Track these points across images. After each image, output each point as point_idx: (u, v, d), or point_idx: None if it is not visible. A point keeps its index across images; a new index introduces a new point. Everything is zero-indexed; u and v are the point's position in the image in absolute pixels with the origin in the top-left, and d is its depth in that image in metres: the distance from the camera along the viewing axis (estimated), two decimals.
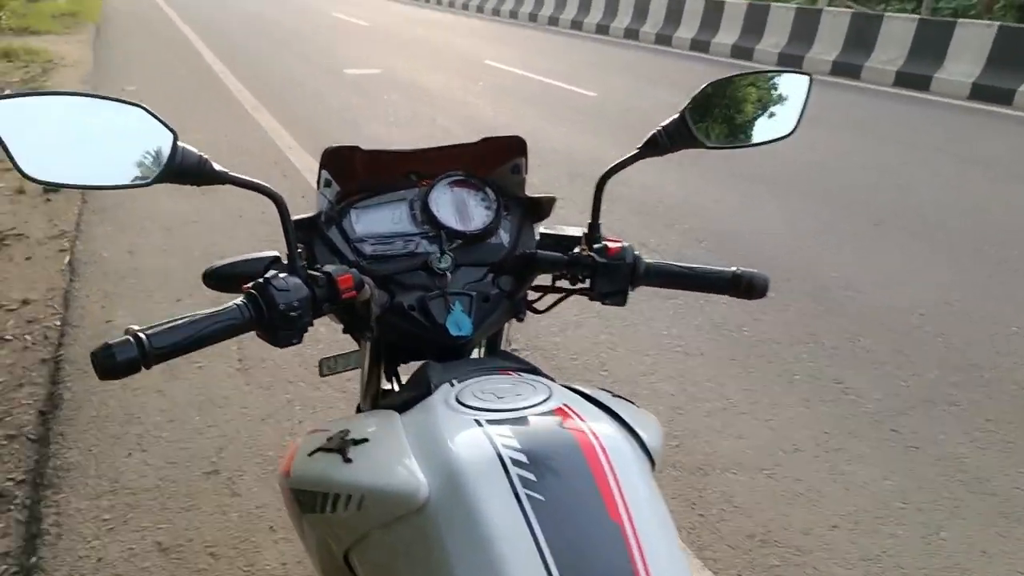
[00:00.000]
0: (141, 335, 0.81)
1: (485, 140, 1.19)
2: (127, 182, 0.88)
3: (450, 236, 1.15)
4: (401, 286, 1.11)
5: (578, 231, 1.18)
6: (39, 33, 13.31)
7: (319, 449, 0.97)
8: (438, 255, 1.13)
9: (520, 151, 1.19)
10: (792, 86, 1.09)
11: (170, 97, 8.41)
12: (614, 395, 1.00)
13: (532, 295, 1.23)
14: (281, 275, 0.93)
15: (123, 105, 0.89)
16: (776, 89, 1.09)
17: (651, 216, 5.03)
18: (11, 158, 0.82)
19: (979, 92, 9.42)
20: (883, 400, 2.97)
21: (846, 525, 2.31)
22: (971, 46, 9.67)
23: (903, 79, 10.29)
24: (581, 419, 0.87)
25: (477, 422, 0.86)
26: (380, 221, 1.16)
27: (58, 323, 3.39)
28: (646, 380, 3.09)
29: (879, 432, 2.78)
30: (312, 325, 0.97)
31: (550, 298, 1.23)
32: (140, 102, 0.89)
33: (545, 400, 0.90)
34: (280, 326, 0.91)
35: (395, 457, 0.86)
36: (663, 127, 1.10)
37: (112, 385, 2.92)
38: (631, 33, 15.21)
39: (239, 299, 0.92)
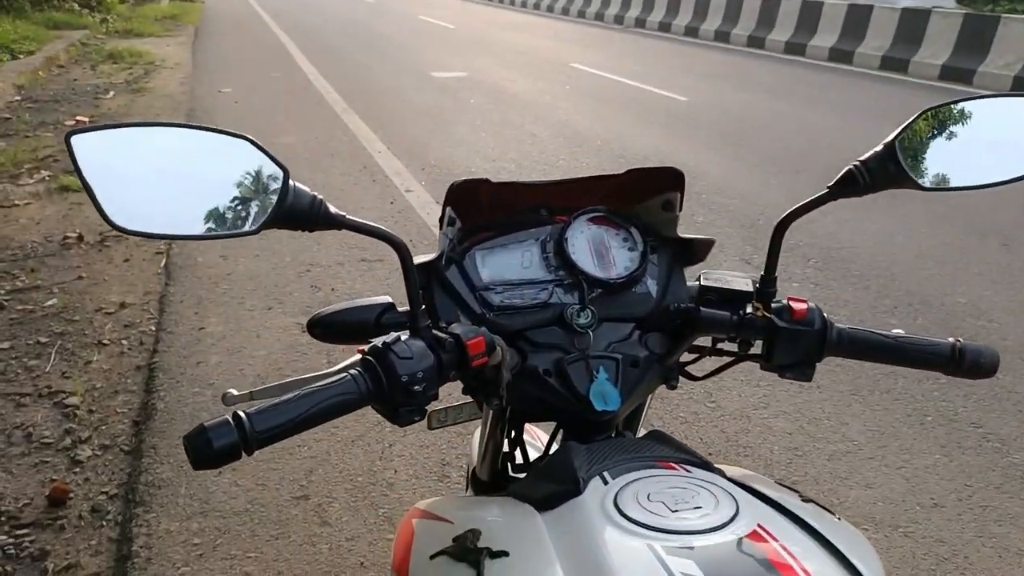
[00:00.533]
0: (243, 416, 0.69)
1: (632, 171, 1.01)
2: (230, 230, 0.75)
3: (590, 284, 0.98)
4: (533, 344, 0.95)
5: (746, 282, 0.98)
6: (143, 35, 13.86)
7: (444, 552, 0.81)
8: (576, 308, 0.96)
9: (675, 185, 1.00)
10: (1022, 113, 0.87)
11: (264, 99, 8.54)
12: (807, 500, 0.81)
13: (685, 355, 1.04)
14: (403, 338, 0.79)
15: (226, 137, 0.75)
16: (1003, 117, 0.87)
17: (753, 228, 4.74)
18: (96, 203, 0.69)
19: None
20: None
21: None
22: None
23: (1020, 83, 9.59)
24: (787, 551, 0.68)
25: (650, 547, 0.68)
26: (508, 265, 1.00)
27: (153, 328, 3.38)
28: (758, 415, 2.85)
29: None
30: (437, 398, 0.82)
31: (708, 362, 1.04)
32: (245, 133, 0.75)
33: (734, 518, 0.72)
34: (402, 402, 0.78)
35: None
36: (862, 162, 0.90)
37: (203, 396, 2.87)
38: (721, 36, 14.74)
39: (353, 366, 0.78)
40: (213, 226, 0.73)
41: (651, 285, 1.01)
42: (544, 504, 0.80)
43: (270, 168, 0.75)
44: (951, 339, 0.90)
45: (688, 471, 0.82)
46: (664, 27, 16.57)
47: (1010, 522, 2.31)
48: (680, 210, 1.01)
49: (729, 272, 1.08)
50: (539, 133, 7.26)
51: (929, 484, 2.47)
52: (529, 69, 11.25)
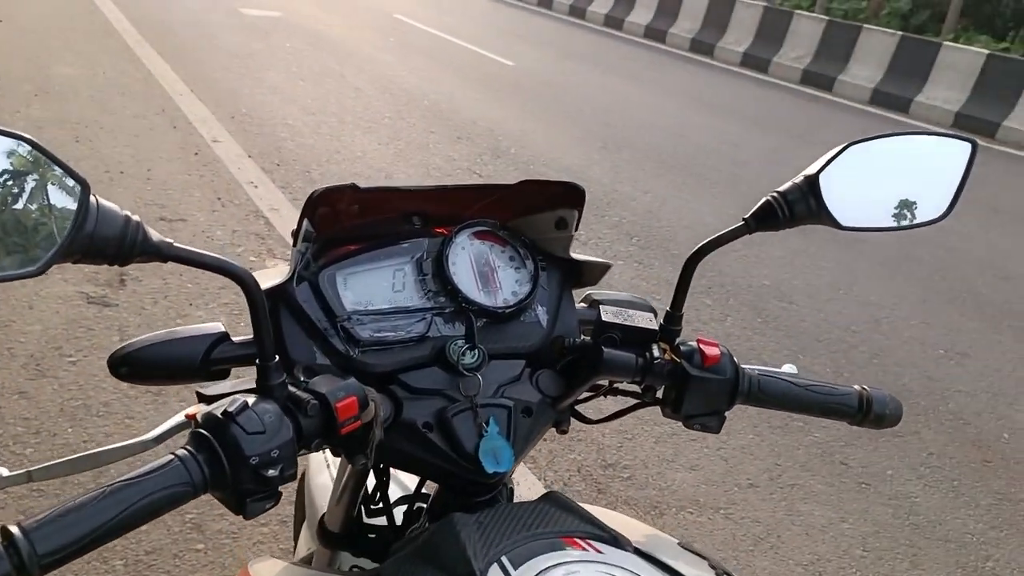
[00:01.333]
0: (16, 535, 0.50)
1: (526, 183, 0.87)
2: (5, 271, 0.52)
3: (475, 314, 0.82)
4: (409, 390, 0.78)
5: (649, 317, 0.87)
6: None
7: None
8: (460, 344, 0.80)
9: (574, 202, 0.87)
10: (949, 154, 0.82)
11: (36, 19, 7.37)
12: (718, 570, 0.73)
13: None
14: (250, 404, 0.61)
15: None
16: (929, 158, 0.83)
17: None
18: None
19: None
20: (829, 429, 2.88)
21: None
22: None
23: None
24: None
25: None
26: (377, 289, 0.81)
27: None
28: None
29: (831, 466, 2.67)
30: (295, 479, 0.64)
31: (596, 403, 0.93)
32: (23, 133, 0.52)
33: None
34: (251, 490, 0.60)
35: None
36: (781, 195, 0.82)
37: None
38: (545, 2, 14.85)
39: (181, 448, 0.59)
40: None
41: (540, 313, 0.87)
42: None
43: (60, 181, 0.52)
44: (857, 387, 0.86)
45: (599, 551, 0.70)
46: None
47: (813, 500, 2.49)
48: (576, 229, 0.88)
49: (618, 295, 0.97)
50: (363, 87, 6.88)
51: (745, 464, 2.60)
52: (350, 15, 10.66)
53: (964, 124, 8.75)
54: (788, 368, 0.92)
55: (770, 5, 11.84)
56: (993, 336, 3.89)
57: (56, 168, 0.52)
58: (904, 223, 0.82)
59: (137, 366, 0.75)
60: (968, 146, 0.81)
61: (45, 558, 0.50)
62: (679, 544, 0.79)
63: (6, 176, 0.50)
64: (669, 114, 7.71)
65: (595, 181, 5.27)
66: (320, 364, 0.77)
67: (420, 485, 0.95)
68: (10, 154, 0.50)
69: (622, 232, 4.43)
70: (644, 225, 4.59)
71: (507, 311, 0.84)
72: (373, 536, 0.98)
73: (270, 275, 0.80)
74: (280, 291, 0.76)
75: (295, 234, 0.77)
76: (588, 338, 0.87)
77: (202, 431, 0.60)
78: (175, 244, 0.59)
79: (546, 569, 0.66)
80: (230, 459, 0.59)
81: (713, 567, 0.75)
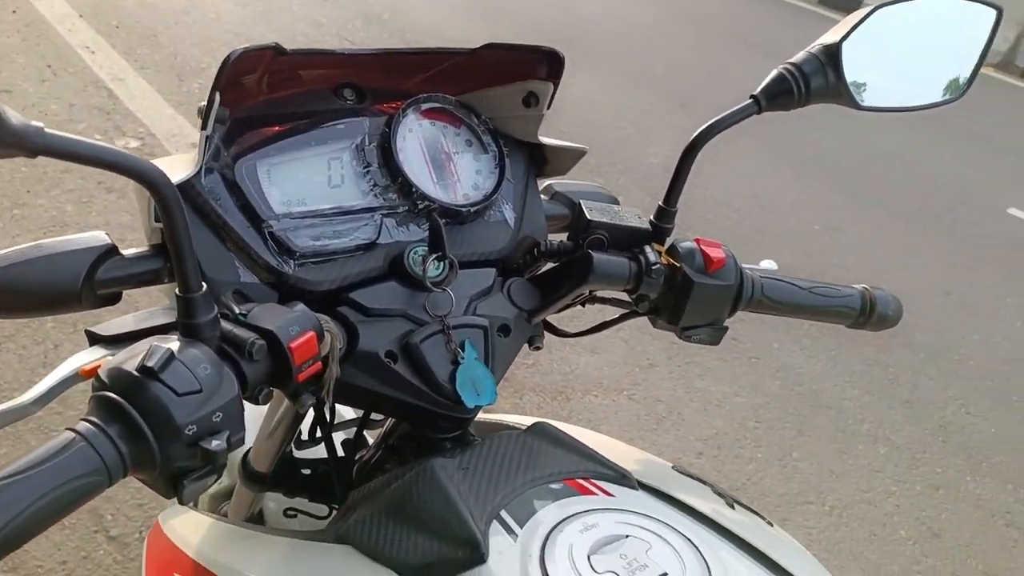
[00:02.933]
0: None
1: (488, 46, 0.70)
2: None
3: (435, 212, 0.67)
4: (363, 311, 0.63)
5: (637, 215, 0.75)
6: None
7: None
8: (421, 252, 0.65)
9: (550, 72, 0.72)
10: (973, 21, 0.73)
11: None
12: (733, 503, 0.66)
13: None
14: (174, 352, 0.46)
15: None
16: (953, 24, 0.73)
17: None
18: None
19: None
20: None
21: (710, 452, 2.24)
22: None
23: None
24: None
25: None
26: (309, 183, 0.65)
27: None
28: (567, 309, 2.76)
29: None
30: (243, 443, 0.49)
31: (572, 312, 0.81)
32: None
33: None
34: (188, 466, 0.46)
35: None
36: (795, 66, 0.70)
37: None
38: None
39: (83, 421, 0.44)
40: None
41: (506, 210, 0.73)
42: (419, 573, 0.53)
43: None
44: (858, 288, 0.79)
45: (609, 493, 0.61)
46: None
47: (710, 376, 2.55)
48: (549, 107, 0.73)
49: (573, 184, 0.84)
50: None
51: (644, 345, 2.61)
52: None
53: (832, 2, 8.94)
54: (767, 264, 0.84)
55: None
56: (862, 211, 4.08)
57: None
58: (924, 102, 0.73)
59: (1, 293, 0.55)
60: (993, 12, 0.72)
61: None
62: (674, 468, 0.71)
63: None
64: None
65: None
66: (245, 283, 0.60)
67: (366, 415, 0.82)
68: None
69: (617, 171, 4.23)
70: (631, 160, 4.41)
71: (472, 209, 0.69)
72: (307, 472, 0.84)
73: (167, 167, 0.61)
74: (185, 189, 0.57)
75: (204, 113, 0.57)
76: (567, 240, 0.74)
77: (110, 394, 0.44)
78: (47, 130, 0.40)
79: (558, 524, 0.55)
80: (156, 432, 0.43)
81: (717, 493, 0.68)
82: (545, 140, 0.75)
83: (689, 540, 0.56)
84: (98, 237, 0.59)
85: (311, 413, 0.77)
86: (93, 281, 0.58)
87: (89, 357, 0.54)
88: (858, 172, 4.56)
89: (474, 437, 0.68)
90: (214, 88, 0.57)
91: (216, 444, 0.45)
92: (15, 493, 0.40)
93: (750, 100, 0.71)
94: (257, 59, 0.59)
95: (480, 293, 0.68)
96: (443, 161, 0.70)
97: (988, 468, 2.44)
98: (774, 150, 4.60)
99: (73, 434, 0.42)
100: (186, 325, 0.49)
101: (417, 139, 0.69)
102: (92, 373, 0.47)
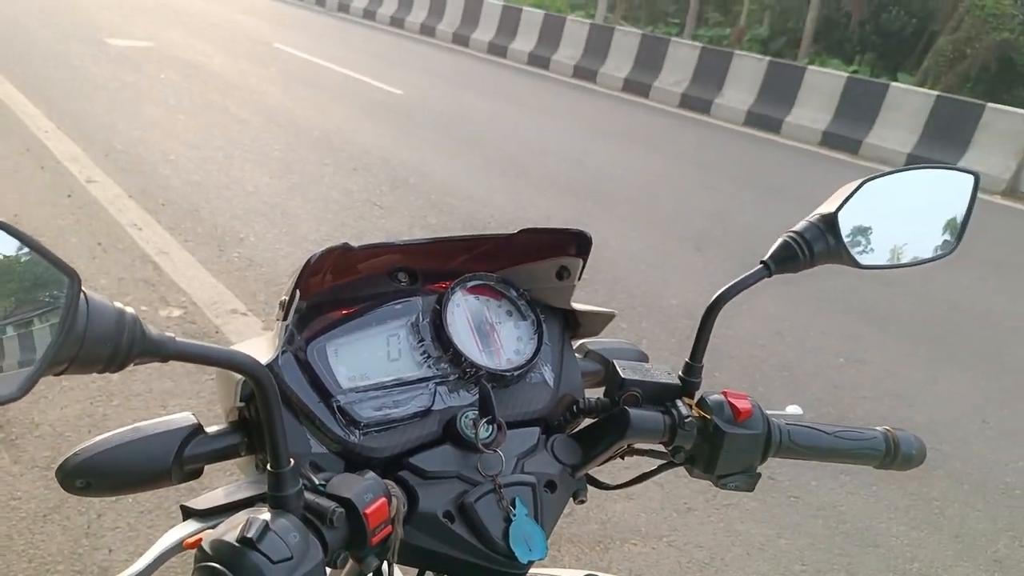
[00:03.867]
0: None
1: (525, 231, 0.80)
2: None
3: (484, 379, 0.74)
4: (420, 475, 0.69)
5: (667, 372, 0.82)
6: None
7: None
8: (472, 416, 0.71)
9: (579, 249, 0.80)
10: (954, 187, 0.82)
11: None
12: None
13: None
14: (269, 523, 0.52)
15: None
16: (937, 191, 0.82)
17: (487, 230, 4.74)
18: None
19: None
20: None
21: None
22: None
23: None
24: None
25: None
26: (372, 359, 0.72)
27: None
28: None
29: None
30: None
31: (612, 464, 0.86)
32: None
33: None
34: None
35: None
36: (798, 234, 0.78)
37: None
38: (427, 30, 14.86)
39: None
40: None
41: (545, 372, 0.80)
42: None
43: (41, 275, 0.41)
44: (882, 429, 0.83)
45: None
46: (369, 15, 16.25)
47: (749, 518, 2.51)
48: (579, 279, 0.82)
49: (606, 342, 0.91)
50: (248, 119, 6.60)
51: (679, 489, 2.59)
52: (226, 44, 10.26)
53: (831, 142, 9.37)
54: (793, 409, 0.89)
55: (647, 33, 12.34)
56: (885, 341, 4.11)
57: (38, 258, 0.41)
58: (919, 258, 0.80)
59: (97, 475, 0.62)
60: (971, 178, 0.80)
61: None
62: None
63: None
64: (560, 139, 7.83)
65: (499, 209, 5.25)
66: (316, 453, 0.66)
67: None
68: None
69: None
70: None
71: (515, 373, 0.76)
72: None
73: (253, 347, 0.69)
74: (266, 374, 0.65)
75: (286, 306, 0.66)
76: (603, 397, 0.80)
77: (215, 564, 0.49)
78: (177, 339, 0.48)
79: None
80: None
81: None
82: (578, 307, 0.83)
83: None
84: (186, 418, 0.66)
85: None
86: (182, 459, 0.64)
87: (185, 531, 0.59)
88: (877, 302, 4.62)
89: None
90: (296, 285, 0.66)
91: None
92: None
93: (760, 266, 0.78)
94: (327, 256, 0.68)
95: (527, 451, 0.73)
96: (487, 331, 0.78)
97: None
98: (793, 286, 4.69)
99: None
100: (275, 497, 0.55)
101: (464, 313, 0.77)
102: (195, 545, 0.53)
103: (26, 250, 0.41)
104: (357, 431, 0.68)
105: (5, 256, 0.41)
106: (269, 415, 0.54)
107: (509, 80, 11.43)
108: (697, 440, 0.76)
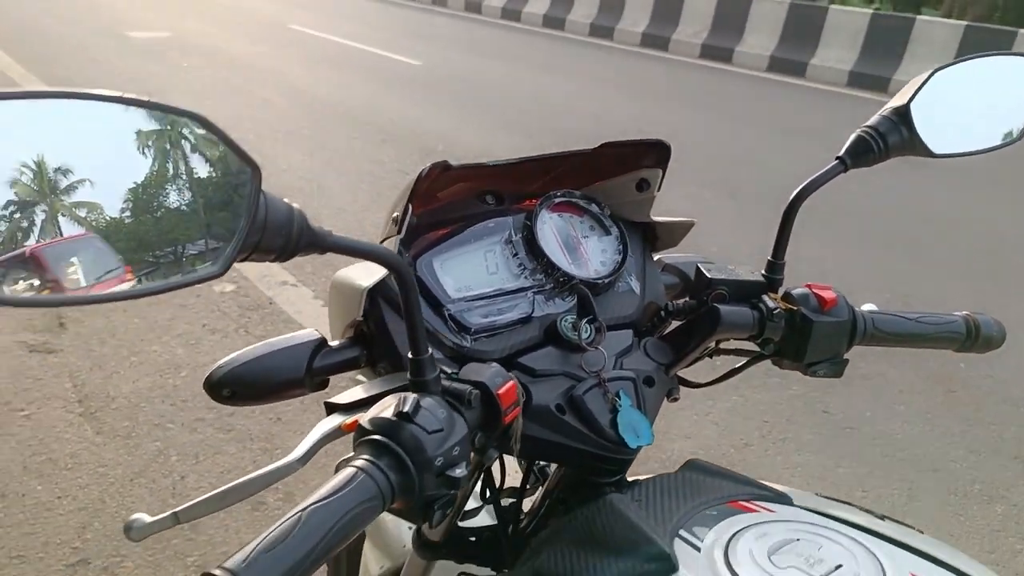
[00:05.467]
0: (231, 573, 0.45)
1: (606, 145, 0.83)
2: (178, 276, 0.47)
3: (573, 287, 0.79)
4: (531, 373, 0.74)
5: (750, 270, 0.85)
6: None
7: None
8: (570, 320, 0.76)
9: (658, 160, 0.84)
10: (1017, 72, 0.83)
11: None
12: (881, 516, 0.72)
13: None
14: (422, 402, 0.57)
15: (158, 115, 0.47)
16: (1003, 77, 0.84)
17: None
18: None
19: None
20: None
21: None
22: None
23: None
24: None
25: None
26: (473, 273, 0.77)
27: None
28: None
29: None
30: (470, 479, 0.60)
31: (696, 364, 0.90)
32: (194, 110, 0.46)
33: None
34: (436, 495, 0.56)
35: None
36: (872, 127, 0.81)
37: None
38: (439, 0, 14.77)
39: (358, 459, 0.54)
40: (150, 271, 0.43)
41: (631, 281, 0.84)
42: None
43: (228, 166, 0.46)
44: (963, 313, 0.86)
45: (771, 510, 0.68)
46: None
47: (806, 450, 2.54)
48: (659, 189, 0.85)
49: (679, 256, 0.95)
50: (273, 100, 6.66)
51: (735, 426, 2.64)
52: (243, 29, 10.30)
53: (859, 81, 9.19)
54: (868, 307, 0.92)
55: None
56: (924, 272, 4.08)
57: (228, 149, 0.45)
58: (987, 146, 0.83)
59: (240, 385, 0.69)
60: None
61: None
62: (818, 495, 0.78)
63: (178, 161, 0.43)
64: (582, 98, 7.78)
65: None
66: (438, 359, 0.72)
67: (527, 476, 0.91)
68: (176, 136, 0.44)
69: None
70: None
71: (606, 280, 0.80)
72: (472, 539, 0.92)
73: (359, 271, 0.75)
74: (380, 285, 0.70)
75: (399, 220, 0.71)
76: (689, 300, 0.84)
77: (377, 437, 0.54)
78: (333, 233, 0.53)
79: (734, 535, 0.63)
80: (416, 463, 0.54)
81: (862, 509, 0.74)
82: (657, 219, 0.87)
83: (854, 539, 0.62)
84: (311, 333, 0.72)
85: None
86: (312, 370, 0.70)
87: (333, 422, 0.65)
88: (919, 235, 4.58)
89: (642, 479, 0.76)
90: (409, 198, 0.70)
91: (459, 472, 0.55)
92: (320, 517, 0.50)
93: (836, 161, 0.81)
94: (433, 171, 0.72)
95: (623, 351, 0.78)
96: (575, 244, 0.82)
97: None
98: (835, 225, 4.68)
99: (355, 470, 0.53)
100: (416, 383, 0.60)
101: (551, 228, 0.82)
102: (352, 426, 0.58)
103: (216, 140, 0.46)
104: (468, 336, 0.73)
105: (200, 146, 0.46)
106: (408, 304, 0.58)
107: (525, 43, 11.35)
108: (785, 331, 0.80)
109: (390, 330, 0.72)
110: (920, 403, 2.85)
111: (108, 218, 0.42)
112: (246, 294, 3.25)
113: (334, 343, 0.74)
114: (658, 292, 0.86)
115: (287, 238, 0.50)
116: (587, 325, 0.75)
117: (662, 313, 0.84)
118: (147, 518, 0.61)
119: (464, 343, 0.73)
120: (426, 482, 0.54)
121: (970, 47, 8.60)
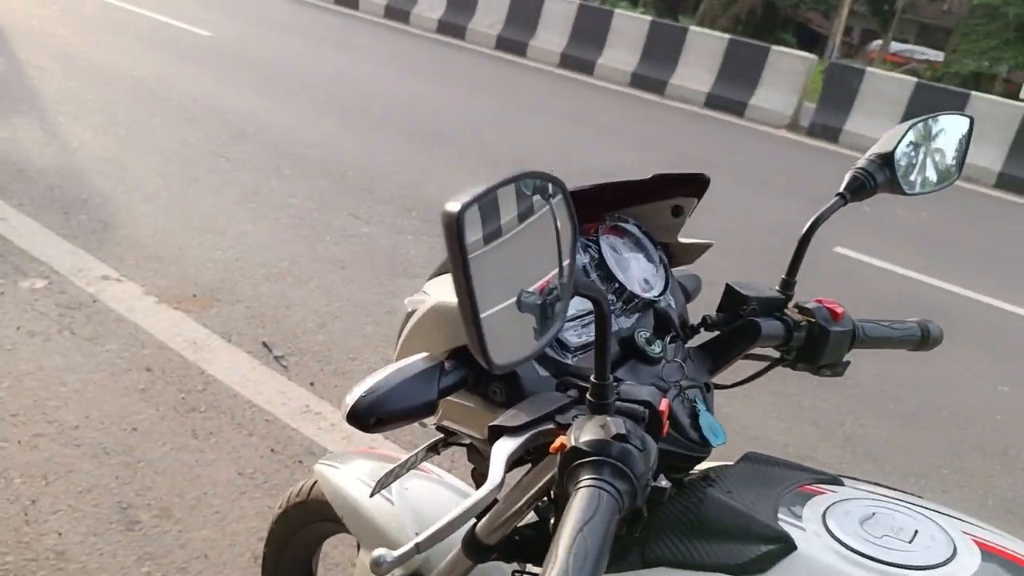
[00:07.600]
0: None
1: (658, 177, 0.92)
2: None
3: (633, 305, 0.87)
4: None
5: (769, 287, 0.98)
6: None
7: None
8: (644, 335, 0.84)
9: (695, 191, 0.94)
10: (955, 128, 1.03)
11: None
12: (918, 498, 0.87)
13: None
14: (628, 427, 0.63)
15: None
16: (948, 131, 1.03)
17: (347, 180, 4.66)
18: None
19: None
20: None
21: None
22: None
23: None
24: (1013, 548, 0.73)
25: None
26: None
27: None
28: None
29: None
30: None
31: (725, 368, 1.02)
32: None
33: (955, 550, 0.71)
34: (643, 509, 0.63)
35: None
36: (863, 169, 0.97)
37: None
38: None
39: (591, 479, 0.60)
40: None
41: (668, 297, 0.94)
42: (745, 569, 0.70)
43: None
44: (914, 320, 1.05)
45: (834, 491, 0.80)
46: None
47: None
48: (690, 215, 0.95)
49: (683, 271, 1.07)
50: (46, 66, 5.87)
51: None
52: None
53: (638, 83, 10.01)
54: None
55: None
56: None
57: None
58: (941, 186, 1.02)
59: (384, 412, 0.69)
60: (967, 120, 1.03)
61: None
62: (855, 479, 0.92)
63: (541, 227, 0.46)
64: (389, 82, 7.73)
65: (350, 155, 5.16)
66: (541, 376, 0.76)
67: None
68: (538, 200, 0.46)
69: (400, 207, 4.42)
70: (415, 197, 4.62)
71: (660, 298, 0.89)
72: (517, 538, 0.97)
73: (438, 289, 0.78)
74: None
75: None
76: (721, 313, 0.95)
77: (600, 458, 0.59)
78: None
79: (824, 513, 0.74)
80: (636, 477, 0.60)
81: (899, 490, 0.88)
82: (683, 240, 0.97)
83: (912, 508, 0.77)
84: (431, 358, 0.73)
85: None
86: (441, 392, 0.72)
87: (510, 445, 0.67)
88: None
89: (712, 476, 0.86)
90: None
91: (664, 482, 0.61)
92: (595, 537, 0.54)
93: (837, 197, 0.96)
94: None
95: (683, 361, 0.87)
96: (625, 265, 0.90)
97: None
98: None
99: (597, 490, 0.57)
100: (597, 404, 0.65)
101: (607, 250, 0.89)
102: (560, 448, 0.62)
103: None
104: (569, 354, 0.79)
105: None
106: (601, 333, 0.63)
107: (322, 20, 11.00)
108: (807, 340, 0.94)
109: None
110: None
111: None
112: (62, 290, 2.89)
113: (447, 364, 0.76)
114: (682, 305, 0.96)
115: None
116: (659, 340, 0.84)
117: (697, 326, 0.95)
118: (391, 554, 0.61)
119: (568, 360, 0.78)
120: (639, 497, 0.60)
121: (733, 57, 9.70)
